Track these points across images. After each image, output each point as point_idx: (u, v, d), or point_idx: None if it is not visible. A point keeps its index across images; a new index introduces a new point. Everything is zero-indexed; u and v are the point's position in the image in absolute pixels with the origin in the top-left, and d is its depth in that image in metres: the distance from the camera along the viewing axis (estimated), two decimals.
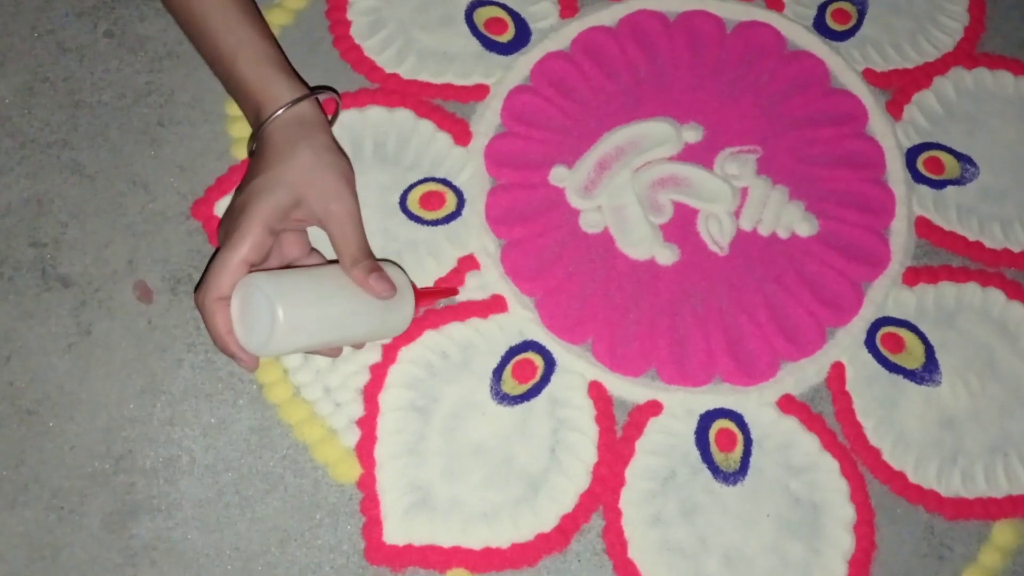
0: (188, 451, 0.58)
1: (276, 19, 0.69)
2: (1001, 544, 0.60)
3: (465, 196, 0.65)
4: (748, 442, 0.60)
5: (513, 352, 0.62)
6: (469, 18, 0.70)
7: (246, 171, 0.58)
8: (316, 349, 0.56)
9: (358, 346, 0.60)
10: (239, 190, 0.56)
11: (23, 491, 0.56)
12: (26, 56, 0.66)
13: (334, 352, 0.59)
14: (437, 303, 0.62)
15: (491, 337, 0.62)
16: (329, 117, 0.61)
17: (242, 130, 0.65)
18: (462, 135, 0.67)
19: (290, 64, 0.60)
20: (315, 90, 0.59)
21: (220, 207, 0.63)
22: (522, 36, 0.70)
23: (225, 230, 0.55)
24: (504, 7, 0.70)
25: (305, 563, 0.56)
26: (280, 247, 0.57)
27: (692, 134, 0.68)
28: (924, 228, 0.67)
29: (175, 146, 0.65)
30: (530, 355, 0.62)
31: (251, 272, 0.53)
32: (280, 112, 0.56)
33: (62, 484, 0.57)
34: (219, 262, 0.53)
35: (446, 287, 0.63)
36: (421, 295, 0.60)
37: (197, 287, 0.55)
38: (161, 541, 0.56)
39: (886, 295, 0.65)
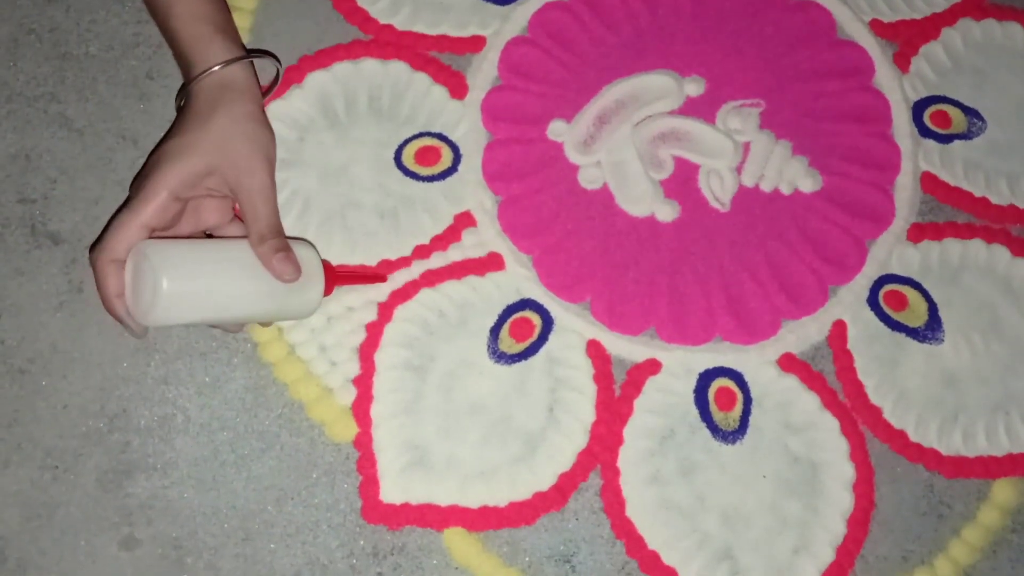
0: (183, 410, 0.58)
1: None
2: (1001, 502, 0.59)
3: (461, 151, 0.64)
4: (748, 401, 0.60)
5: (510, 311, 0.61)
6: None
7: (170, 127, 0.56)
8: (210, 323, 0.55)
9: (264, 325, 0.59)
10: (156, 148, 0.54)
11: (16, 450, 0.56)
12: (10, 6, 0.64)
13: (233, 328, 0.57)
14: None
15: (488, 295, 0.61)
16: (269, 86, 0.59)
17: None
18: (458, 88, 0.65)
19: (233, 27, 0.58)
20: (252, 54, 0.57)
21: None
22: None
23: (134, 189, 0.53)
24: None
25: (302, 521, 0.56)
26: (197, 213, 0.55)
27: (694, 87, 0.66)
28: (930, 183, 0.66)
29: (164, 99, 0.64)
30: (528, 313, 0.61)
31: (152, 237, 0.52)
32: (206, 74, 0.54)
33: (56, 443, 0.56)
34: (117, 224, 0.51)
35: (372, 273, 0.60)
36: (340, 277, 0.58)
37: (93, 245, 0.53)
38: (157, 500, 0.56)
39: (890, 252, 0.64)
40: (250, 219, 0.53)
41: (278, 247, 0.53)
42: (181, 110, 0.56)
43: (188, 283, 0.50)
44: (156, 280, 0.49)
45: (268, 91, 0.60)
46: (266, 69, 0.61)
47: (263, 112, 0.56)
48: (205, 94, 0.55)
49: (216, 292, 0.51)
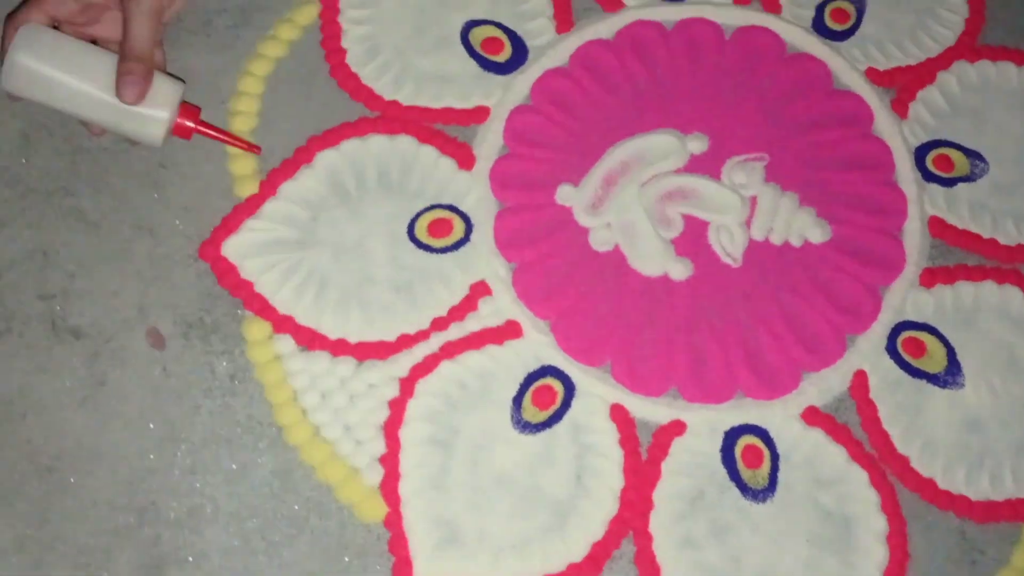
0: (211, 499, 0.58)
1: (271, 51, 0.68)
2: None
3: (473, 221, 0.64)
4: (775, 457, 0.60)
5: (531, 378, 0.61)
6: (465, 39, 0.69)
7: None
8: (60, 109, 0.60)
9: (105, 129, 0.62)
10: None
11: (49, 550, 0.56)
12: (20, 103, 0.65)
13: (95, 129, 0.62)
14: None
15: (508, 364, 0.61)
16: None
17: (244, 167, 0.64)
18: (466, 159, 0.66)
19: None
20: None
21: (228, 248, 0.62)
22: (519, 54, 0.69)
23: None
24: (499, 26, 0.69)
25: None
26: (116, 24, 0.60)
27: (697, 144, 0.67)
28: (937, 227, 0.66)
29: (178, 187, 0.64)
30: (549, 380, 0.61)
31: (44, 22, 0.59)
32: None
33: (87, 541, 0.56)
34: (28, 4, 0.59)
35: (245, 142, 0.63)
36: (202, 126, 0.61)
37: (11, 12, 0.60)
38: None
39: (904, 298, 0.64)
40: (123, 39, 0.59)
41: (133, 70, 0.58)
42: None
43: (37, 63, 0.58)
44: (13, 52, 0.58)
45: None
46: None
47: None
48: None
49: (61, 82, 0.58)
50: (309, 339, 0.61)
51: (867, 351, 0.63)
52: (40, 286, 0.61)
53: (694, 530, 0.58)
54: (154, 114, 0.59)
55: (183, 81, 0.61)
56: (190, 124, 0.61)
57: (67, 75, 0.58)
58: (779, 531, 0.58)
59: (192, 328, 0.61)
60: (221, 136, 0.63)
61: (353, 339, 0.61)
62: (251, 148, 0.64)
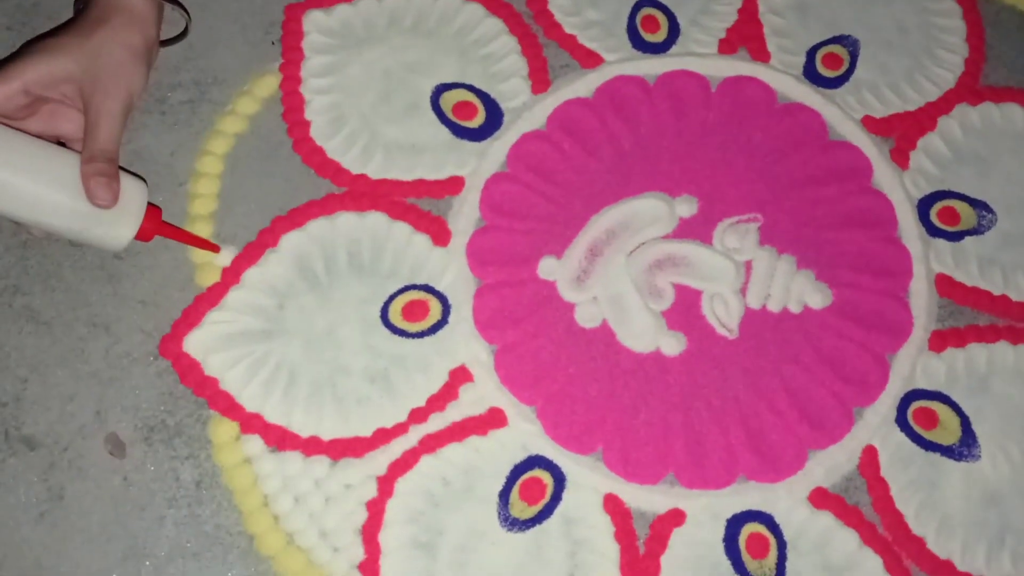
0: None
1: (230, 127, 0.64)
2: None
3: (450, 302, 0.61)
4: (782, 545, 0.56)
5: (518, 471, 0.57)
6: (436, 104, 0.65)
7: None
8: (12, 217, 0.54)
9: (74, 244, 0.60)
10: (36, 39, 0.57)
11: None
12: None
13: (38, 232, 0.57)
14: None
15: (493, 457, 0.57)
16: (174, 37, 0.63)
17: (205, 255, 0.61)
18: (441, 234, 0.62)
19: None
20: None
21: (189, 343, 0.58)
22: (494, 118, 0.65)
23: None
24: (471, 89, 0.66)
25: None
26: (54, 118, 0.56)
27: (686, 207, 0.63)
28: (945, 286, 0.62)
29: (134, 280, 0.61)
30: (537, 472, 0.57)
31: None
32: None
33: None
34: None
35: (204, 240, 0.60)
36: (166, 228, 0.58)
37: None
38: None
39: (913, 365, 0.60)
40: (89, 137, 0.54)
41: (103, 171, 0.53)
42: (75, 14, 0.58)
43: None
44: None
45: (170, 42, 0.63)
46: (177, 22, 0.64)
47: (146, 50, 0.58)
48: (100, 9, 0.57)
49: (22, 188, 0.52)
50: (279, 438, 0.57)
51: (876, 424, 0.59)
52: None
53: None
54: (124, 216, 0.55)
55: (144, 179, 0.57)
56: (154, 225, 0.56)
57: (24, 179, 0.52)
58: None
59: (154, 432, 0.57)
60: (183, 237, 0.59)
61: (326, 436, 0.57)
62: (211, 247, 0.60)
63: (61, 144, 0.56)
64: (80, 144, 0.55)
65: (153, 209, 0.57)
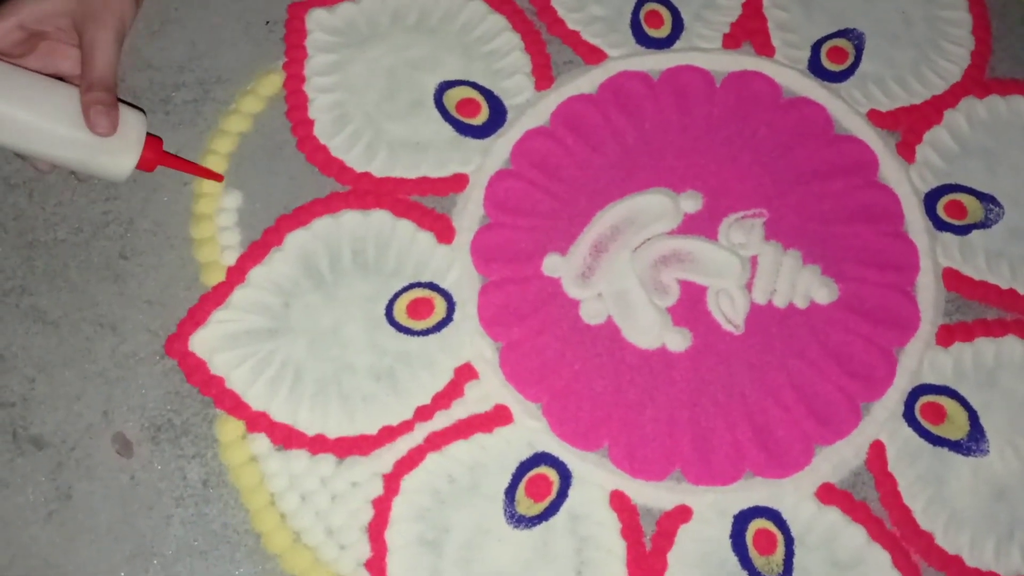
0: None
1: (233, 126, 0.64)
2: None
3: (455, 299, 0.61)
4: (789, 541, 0.56)
5: (524, 468, 0.57)
6: (439, 102, 0.65)
7: None
8: (15, 149, 0.56)
9: (78, 178, 0.61)
10: None
11: None
12: None
13: (43, 166, 0.58)
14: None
15: (499, 454, 0.57)
16: None
17: (210, 254, 0.61)
18: (445, 232, 0.62)
19: None
20: None
21: (196, 342, 0.58)
22: (497, 115, 0.65)
23: None
24: (475, 86, 0.65)
25: None
26: (51, 56, 0.57)
27: (691, 203, 0.63)
28: (952, 280, 0.62)
29: (140, 279, 0.61)
30: (543, 469, 0.57)
31: None
32: None
33: None
34: None
35: (206, 169, 0.61)
36: (167, 157, 0.58)
37: None
38: None
39: (920, 360, 0.60)
40: (85, 67, 0.55)
41: (102, 99, 0.54)
42: None
43: None
44: None
45: None
46: None
47: None
48: None
49: (22, 120, 0.54)
50: (285, 437, 0.57)
51: (883, 420, 0.59)
52: None
53: None
54: (125, 145, 0.56)
55: (143, 110, 0.58)
56: (156, 155, 0.57)
57: (26, 111, 0.53)
58: None
59: (161, 431, 0.58)
60: (185, 166, 0.60)
61: (332, 434, 0.57)
62: (214, 176, 0.61)
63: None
64: (79, 81, 0.56)
65: (154, 139, 0.58)
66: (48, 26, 0.56)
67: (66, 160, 0.56)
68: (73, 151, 0.55)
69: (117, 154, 0.56)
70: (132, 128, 0.56)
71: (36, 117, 0.54)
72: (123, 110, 0.56)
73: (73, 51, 0.57)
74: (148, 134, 0.57)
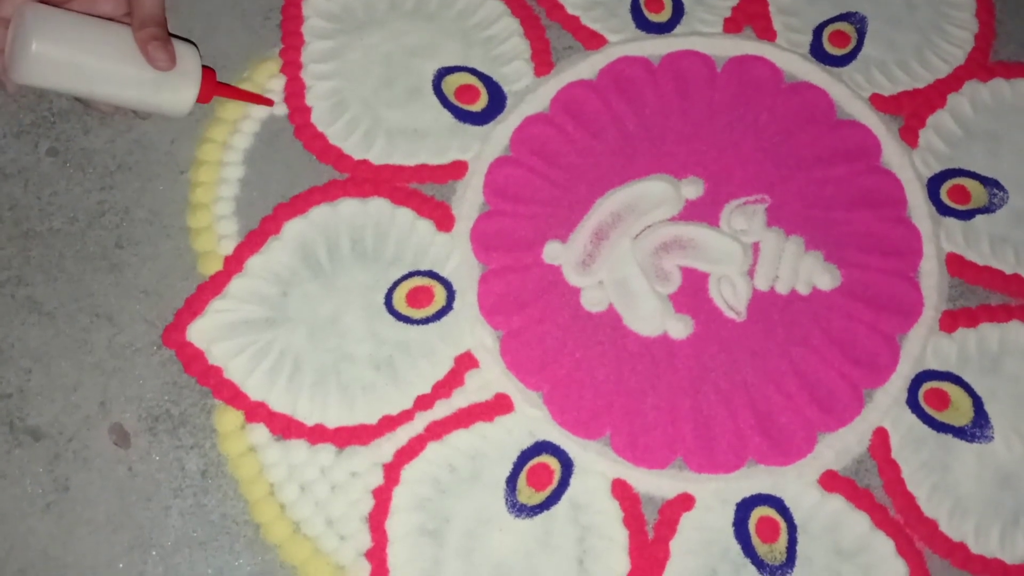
0: None
1: (230, 114, 0.63)
2: None
3: (454, 287, 0.60)
4: (792, 529, 0.56)
5: (526, 457, 0.57)
6: (438, 88, 0.64)
7: None
8: (78, 95, 0.56)
9: (140, 116, 0.61)
10: None
11: None
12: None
13: (106, 108, 0.59)
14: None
15: (500, 443, 0.57)
16: None
17: (207, 244, 0.60)
18: (444, 220, 0.61)
19: None
20: None
21: (193, 332, 0.58)
22: (496, 102, 0.64)
23: None
24: (474, 72, 0.65)
25: None
26: (92, 0, 0.56)
27: (692, 189, 0.63)
28: (956, 265, 0.62)
29: (137, 269, 0.60)
30: (544, 458, 0.57)
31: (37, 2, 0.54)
32: None
33: None
34: None
35: (258, 95, 0.62)
36: (220, 87, 0.60)
37: None
38: None
39: (924, 346, 0.59)
40: (136, 5, 0.55)
41: (156, 35, 0.54)
42: None
43: (57, 48, 0.53)
44: (26, 40, 0.52)
45: None
46: None
47: None
48: None
49: (85, 65, 0.54)
50: (284, 427, 0.57)
51: (887, 406, 0.58)
52: None
53: None
54: (184, 79, 0.56)
55: (193, 42, 0.58)
56: (211, 86, 0.58)
57: (86, 55, 0.53)
58: None
59: (158, 422, 0.57)
60: (239, 95, 0.62)
61: (332, 424, 0.57)
62: (266, 101, 0.63)
63: None
64: (127, 19, 0.56)
65: (208, 71, 0.59)
66: None
67: (129, 99, 0.56)
68: (136, 89, 0.55)
69: (178, 88, 0.56)
70: (188, 61, 0.57)
71: (95, 59, 0.54)
72: (177, 44, 0.56)
73: None
74: (203, 66, 0.58)
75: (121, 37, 0.55)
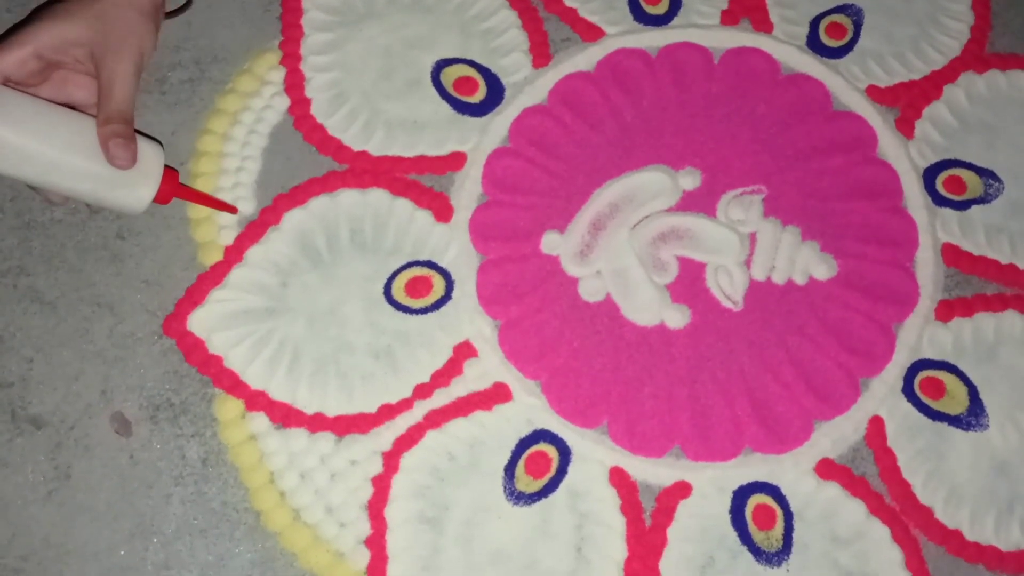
0: None
1: (230, 105, 0.64)
2: None
3: (453, 277, 0.60)
4: (788, 516, 0.56)
5: (524, 445, 0.57)
6: (436, 80, 0.65)
7: None
8: (32, 182, 0.53)
9: (91, 209, 0.60)
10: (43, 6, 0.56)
11: None
12: None
13: (57, 198, 0.56)
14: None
15: (498, 431, 0.57)
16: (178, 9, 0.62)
17: (207, 234, 0.61)
18: (443, 210, 0.62)
19: None
20: None
21: (194, 322, 0.58)
22: (495, 93, 0.65)
23: (5, 37, 0.53)
24: (472, 64, 0.65)
25: None
26: (65, 85, 0.55)
27: (689, 180, 0.63)
28: (952, 255, 0.62)
29: (138, 259, 0.61)
30: (542, 446, 0.57)
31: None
32: None
33: None
34: None
35: (221, 202, 0.59)
36: (182, 190, 0.57)
37: None
38: None
39: (920, 335, 0.60)
40: (103, 99, 0.53)
41: (120, 132, 0.52)
42: None
43: (12, 133, 0.50)
44: None
45: (175, 13, 0.64)
46: None
47: (154, 9, 0.57)
48: None
49: (39, 153, 0.51)
50: (284, 416, 0.57)
51: (882, 395, 0.59)
52: None
53: None
54: (142, 177, 0.54)
55: (159, 141, 0.57)
56: (172, 187, 0.55)
57: (42, 143, 0.51)
58: None
59: (159, 410, 0.58)
60: (200, 199, 0.58)
61: (331, 413, 0.57)
62: (229, 209, 0.60)
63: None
64: (93, 110, 0.54)
65: (170, 171, 0.56)
66: (65, 56, 0.54)
67: (82, 193, 0.53)
68: (90, 184, 0.53)
69: (134, 187, 0.54)
70: (150, 160, 0.54)
71: (52, 149, 0.51)
72: (141, 142, 0.54)
73: (87, 80, 0.55)
74: (165, 166, 0.55)
75: (84, 128, 0.52)
